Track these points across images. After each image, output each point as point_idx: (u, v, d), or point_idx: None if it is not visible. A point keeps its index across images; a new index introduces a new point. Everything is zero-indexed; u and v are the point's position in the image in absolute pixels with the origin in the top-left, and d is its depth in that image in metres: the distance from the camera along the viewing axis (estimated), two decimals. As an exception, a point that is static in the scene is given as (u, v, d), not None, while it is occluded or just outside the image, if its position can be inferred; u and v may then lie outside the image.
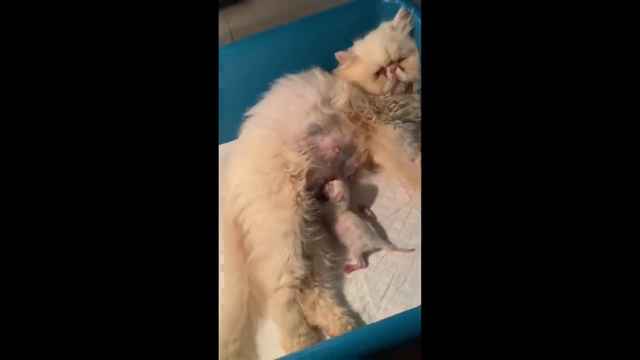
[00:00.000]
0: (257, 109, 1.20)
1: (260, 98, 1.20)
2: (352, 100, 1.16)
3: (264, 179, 1.07)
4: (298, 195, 1.05)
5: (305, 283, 1.01)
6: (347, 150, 1.18)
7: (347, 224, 1.08)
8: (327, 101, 1.15)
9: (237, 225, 1.08)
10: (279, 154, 1.10)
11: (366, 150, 1.19)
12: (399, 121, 1.16)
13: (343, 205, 1.11)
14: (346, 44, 1.24)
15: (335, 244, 1.11)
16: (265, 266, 1.01)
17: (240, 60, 1.36)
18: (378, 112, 1.17)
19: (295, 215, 1.03)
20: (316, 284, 1.02)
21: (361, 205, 1.17)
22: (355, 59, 1.20)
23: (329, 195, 1.12)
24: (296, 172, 1.08)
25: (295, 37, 1.33)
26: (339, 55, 1.20)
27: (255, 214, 1.06)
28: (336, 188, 1.11)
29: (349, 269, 1.06)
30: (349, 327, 0.94)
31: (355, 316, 0.98)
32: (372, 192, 1.21)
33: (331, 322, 0.95)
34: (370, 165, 1.22)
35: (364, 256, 1.07)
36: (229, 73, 1.36)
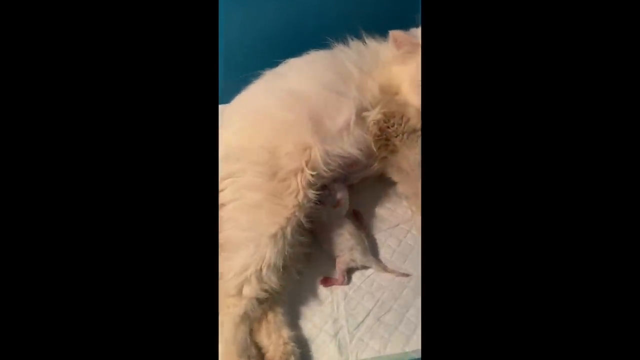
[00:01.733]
0: (282, 81, 0.98)
1: (277, 63, 1.01)
2: (385, 115, 0.96)
3: (272, 160, 0.88)
4: (305, 196, 0.87)
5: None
6: (363, 165, 1.01)
7: (340, 230, 0.92)
8: (360, 112, 0.94)
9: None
10: (305, 147, 0.89)
11: (379, 170, 1.02)
12: None
13: (342, 211, 0.96)
14: (395, 16, 0.99)
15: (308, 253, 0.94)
16: (232, 259, 0.82)
17: (259, 11, 1.17)
18: (408, 132, 0.97)
19: (293, 217, 0.85)
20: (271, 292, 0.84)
21: (355, 211, 1.01)
22: (415, 47, 0.92)
23: (327, 200, 0.95)
24: (313, 180, 0.89)
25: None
26: (395, 35, 0.93)
27: (248, 188, 0.87)
28: (339, 193, 0.95)
29: (327, 282, 0.91)
30: (292, 359, 0.78)
31: (316, 341, 0.83)
32: (371, 199, 1.05)
33: (273, 344, 0.79)
34: (379, 178, 1.05)
35: (348, 272, 0.92)
36: (246, 23, 1.18)
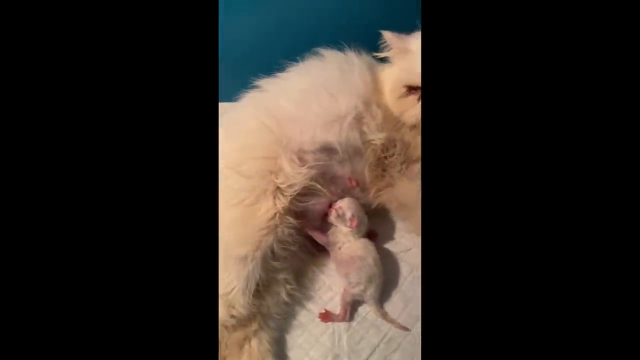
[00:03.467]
0: (270, 83, 0.90)
1: (279, 66, 0.91)
2: (383, 144, 0.86)
3: (242, 182, 0.80)
4: (274, 216, 0.79)
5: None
6: (365, 189, 0.90)
7: (363, 255, 0.81)
8: (359, 121, 0.85)
9: None
10: (273, 156, 0.82)
11: (378, 204, 0.91)
12: None
13: (361, 231, 0.86)
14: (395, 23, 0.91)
15: (302, 275, 0.86)
16: None
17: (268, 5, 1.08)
18: (407, 162, 0.87)
19: (263, 240, 0.77)
20: (257, 315, 0.78)
21: (371, 231, 0.91)
22: (404, 53, 0.85)
23: (337, 222, 0.85)
24: (284, 185, 0.81)
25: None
26: (387, 35, 0.87)
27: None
28: (348, 210, 0.84)
29: (327, 317, 0.81)
30: None
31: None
32: (380, 218, 0.95)
33: None
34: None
35: (352, 305, 0.82)
36: (253, 19, 1.10)
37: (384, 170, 0.88)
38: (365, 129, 0.85)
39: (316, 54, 0.90)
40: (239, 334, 0.75)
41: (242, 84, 0.91)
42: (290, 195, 0.80)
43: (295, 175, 0.81)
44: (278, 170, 0.81)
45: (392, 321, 0.79)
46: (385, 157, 0.87)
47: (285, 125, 0.83)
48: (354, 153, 0.86)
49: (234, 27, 1.03)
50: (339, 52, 0.90)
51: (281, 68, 0.91)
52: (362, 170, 0.88)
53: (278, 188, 0.80)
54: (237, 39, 1.07)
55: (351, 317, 0.80)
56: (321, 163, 0.84)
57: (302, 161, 0.82)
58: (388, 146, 0.87)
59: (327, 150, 0.84)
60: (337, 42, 0.90)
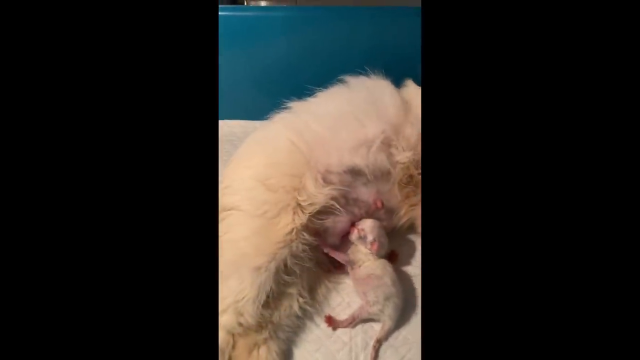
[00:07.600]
0: (301, 106, 0.97)
1: (307, 91, 0.98)
2: (417, 160, 0.88)
3: (267, 196, 0.85)
4: (291, 231, 0.82)
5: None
6: (390, 210, 0.93)
7: (381, 274, 0.83)
8: (387, 145, 0.88)
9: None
10: (298, 174, 0.87)
11: (409, 219, 0.93)
12: None
13: (381, 252, 0.87)
14: (395, 59, 1.01)
15: (315, 291, 0.88)
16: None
17: (298, 30, 1.17)
18: None
19: (279, 253, 0.81)
20: (268, 324, 0.80)
21: (393, 252, 0.92)
22: None
23: (358, 242, 0.87)
24: (305, 203, 0.85)
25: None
26: None
27: (238, 223, 0.85)
28: (370, 233, 0.86)
29: (332, 322, 0.82)
30: None
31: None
32: (404, 241, 0.96)
33: None
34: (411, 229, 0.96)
35: (367, 320, 0.83)
36: (283, 42, 1.21)
37: (415, 186, 0.90)
38: (393, 150, 0.88)
39: (342, 81, 0.96)
40: (249, 340, 0.78)
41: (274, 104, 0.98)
42: (309, 213, 0.84)
43: (317, 195, 0.84)
44: (301, 188, 0.85)
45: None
46: (419, 173, 0.89)
47: (314, 147, 0.88)
48: (381, 175, 0.89)
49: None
50: (365, 78, 0.94)
51: (310, 93, 0.97)
52: (389, 191, 0.90)
53: (299, 205, 0.84)
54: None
55: (355, 325, 0.82)
56: (345, 185, 0.87)
57: (326, 181, 0.86)
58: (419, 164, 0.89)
59: (353, 172, 0.88)
60: (360, 68, 0.95)
